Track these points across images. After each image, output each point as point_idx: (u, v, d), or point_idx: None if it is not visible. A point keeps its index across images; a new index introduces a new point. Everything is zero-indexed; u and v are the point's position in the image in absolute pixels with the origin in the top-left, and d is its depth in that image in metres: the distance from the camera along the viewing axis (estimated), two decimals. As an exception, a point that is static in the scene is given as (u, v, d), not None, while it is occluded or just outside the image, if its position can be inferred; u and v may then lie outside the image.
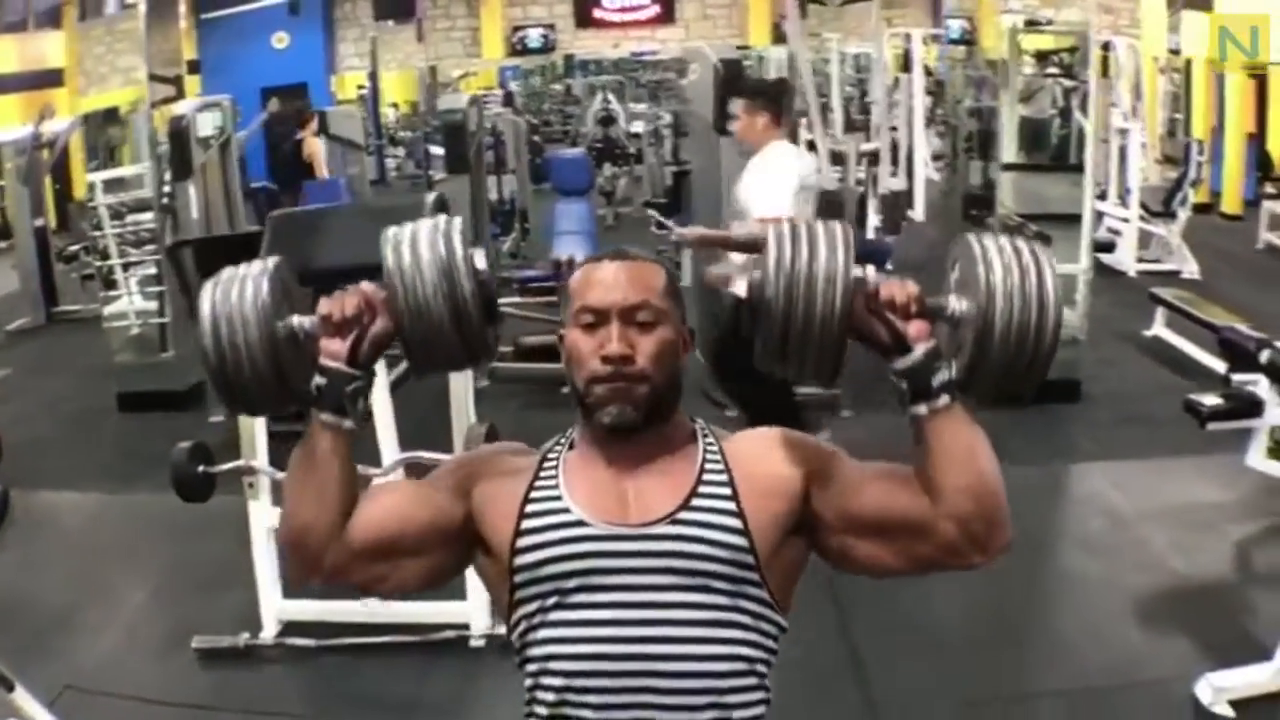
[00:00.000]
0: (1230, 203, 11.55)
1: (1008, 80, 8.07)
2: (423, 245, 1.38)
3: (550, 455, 1.53)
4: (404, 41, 17.02)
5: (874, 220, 7.36)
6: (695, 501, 1.44)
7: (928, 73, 12.63)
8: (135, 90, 6.36)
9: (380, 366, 4.06)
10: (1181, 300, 6.73)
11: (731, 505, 1.44)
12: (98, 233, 6.47)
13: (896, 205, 6.48)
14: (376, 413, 4.08)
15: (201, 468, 3.65)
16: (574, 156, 9.67)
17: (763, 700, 1.43)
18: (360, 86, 15.92)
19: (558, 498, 1.46)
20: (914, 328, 1.37)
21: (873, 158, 6.27)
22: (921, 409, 1.37)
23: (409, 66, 17.67)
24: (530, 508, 1.46)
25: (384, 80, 16.24)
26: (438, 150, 10.87)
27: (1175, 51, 11.73)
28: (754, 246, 4.13)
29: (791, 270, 1.32)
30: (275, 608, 3.69)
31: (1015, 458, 5.13)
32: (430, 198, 4.26)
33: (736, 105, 4.57)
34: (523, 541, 1.44)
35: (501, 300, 5.95)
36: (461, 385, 3.56)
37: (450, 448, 3.63)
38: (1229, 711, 3.12)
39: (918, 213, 10.16)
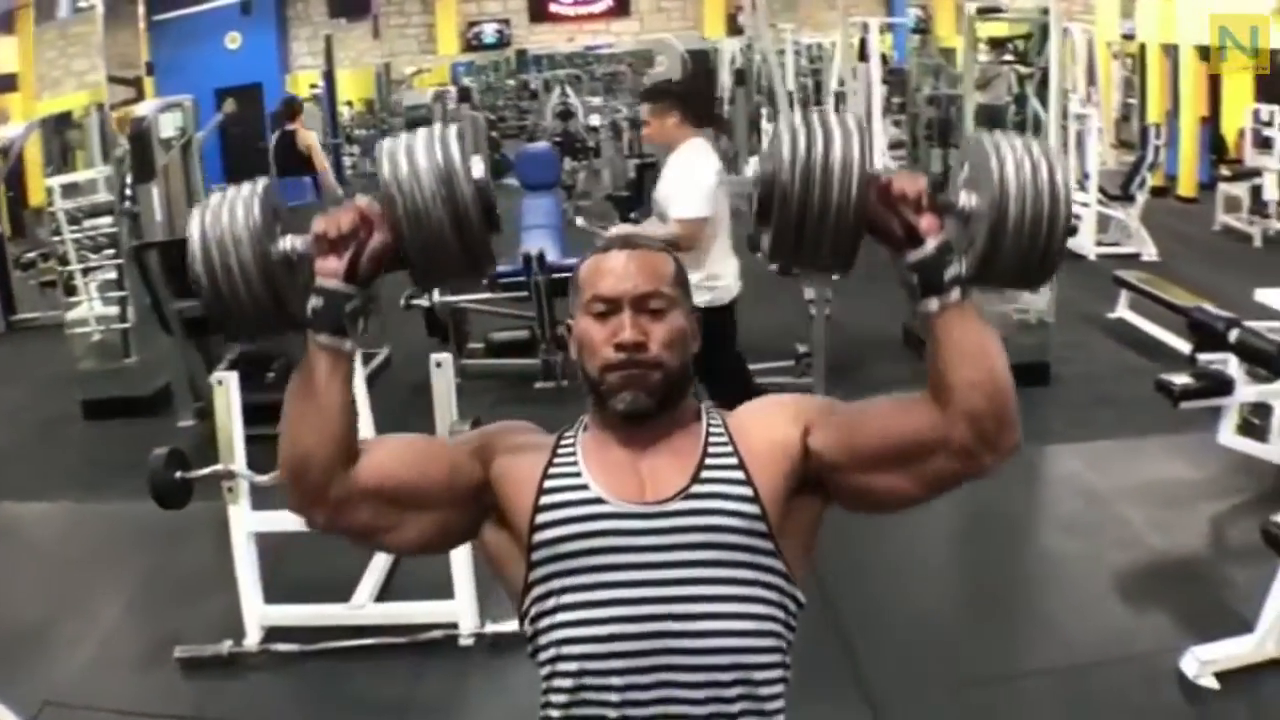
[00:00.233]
0: (1186, 186, 11.72)
1: (967, 68, 8.12)
2: (419, 153, 1.34)
3: (566, 436, 1.54)
4: (356, 39, 16.87)
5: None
6: (705, 474, 1.45)
7: (884, 61, 12.70)
8: (89, 94, 6.25)
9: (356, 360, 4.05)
10: (1145, 283, 6.83)
11: (740, 475, 1.45)
12: (56, 238, 6.35)
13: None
14: (365, 410, 4.06)
15: (179, 473, 3.59)
16: (540, 151, 9.64)
17: (783, 678, 1.44)
18: (313, 85, 15.76)
19: (576, 474, 1.46)
20: (925, 221, 1.38)
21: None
22: (933, 304, 1.37)
23: (362, 64, 17.51)
24: (549, 484, 1.46)
25: (338, 78, 16.09)
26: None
27: (1129, 37, 11.86)
28: (675, 246, 4.17)
29: (807, 158, 1.32)
30: (258, 613, 3.64)
31: (991, 441, 5.26)
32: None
33: (643, 110, 4.58)
34: (542, 518, 1.43)
35: (471, 296, 5.95)
36: (444, 383, 3.53)
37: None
38: (1214, 683, 3.17)
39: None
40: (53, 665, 3.61)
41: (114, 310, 6.40)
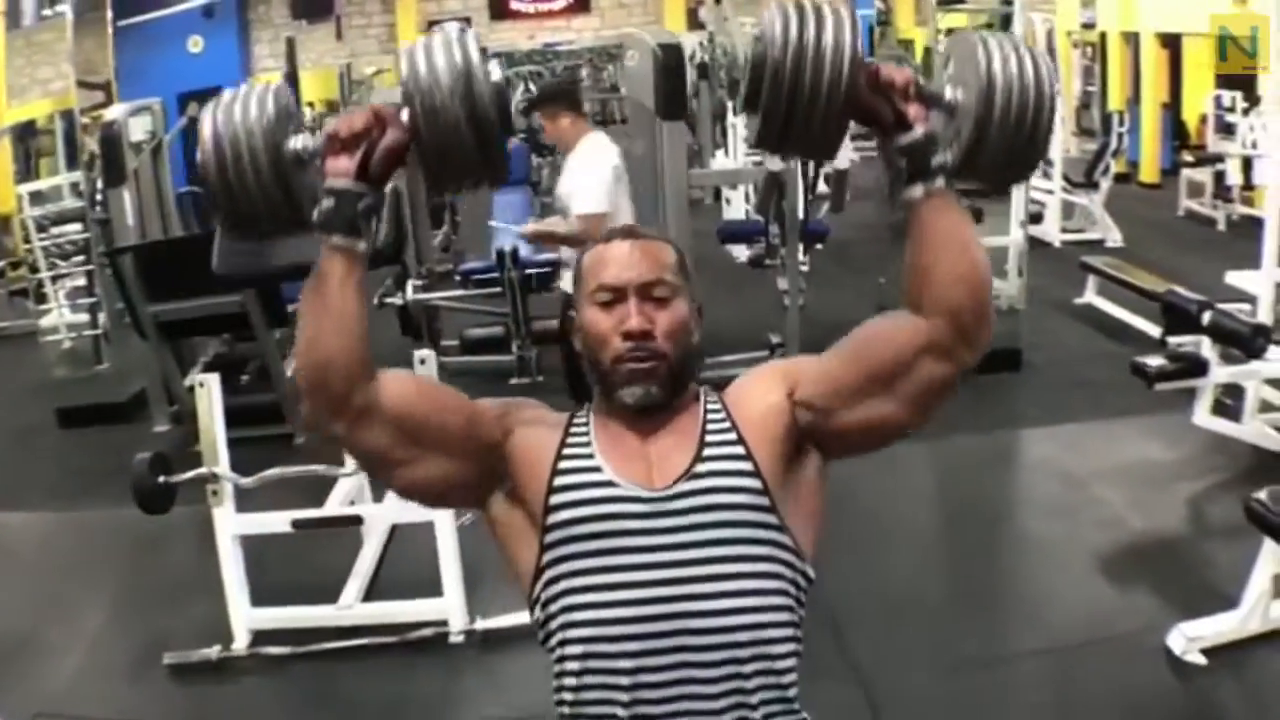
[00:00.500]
0: (1148, 172, 11.85)
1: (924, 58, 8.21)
2: (438, 52, 1.34)
3: (578, 417, 1.54)
4: (317, 41, 16.77)
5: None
6: (706, 453, 1.46)
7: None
8: (53, 101, 6.20)
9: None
10: (1112, 268, 6.92)
11: (740, 450, 1.46)
12: (26, 246, 6.29)
13: (842, 183, 6.55)
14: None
15: (162, 478, 3.58)
16: (510, 147, 9.59)
17: (796, 652, 1.45)
18: (275, 88, 15.62)
19: (590, 455, 1.48)
20: (913, 109, 1.39)
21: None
22: (918, 191, 1.39)
23: (323, 65, 17.41)
24: (563, 464, 1.47)
25: (300, 80, 15.98)
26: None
27: (1089, 25, 11.98)
28: (577, 241, 4.20)
29: (800, 41, 1.33)
30: (245, 617, 3.62)
31: (966, 427, 5.34)
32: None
33: (538, 119, 4.63)
34: (556, 499, 1.44)
35: (444, 294, 5.94)
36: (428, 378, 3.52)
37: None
38: (1201, 659, 3.22)
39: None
40: (41, 676, 3.58)
41: (84, 317, 6.35)
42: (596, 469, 1.46)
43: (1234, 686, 3.16)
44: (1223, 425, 4.73)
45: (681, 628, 1.39)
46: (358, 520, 3.90)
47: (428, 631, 3.59)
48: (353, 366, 1.40)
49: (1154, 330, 5.74)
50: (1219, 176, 9.76)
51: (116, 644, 3.78)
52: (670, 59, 5.16)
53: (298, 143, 1.38)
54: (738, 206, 9.23)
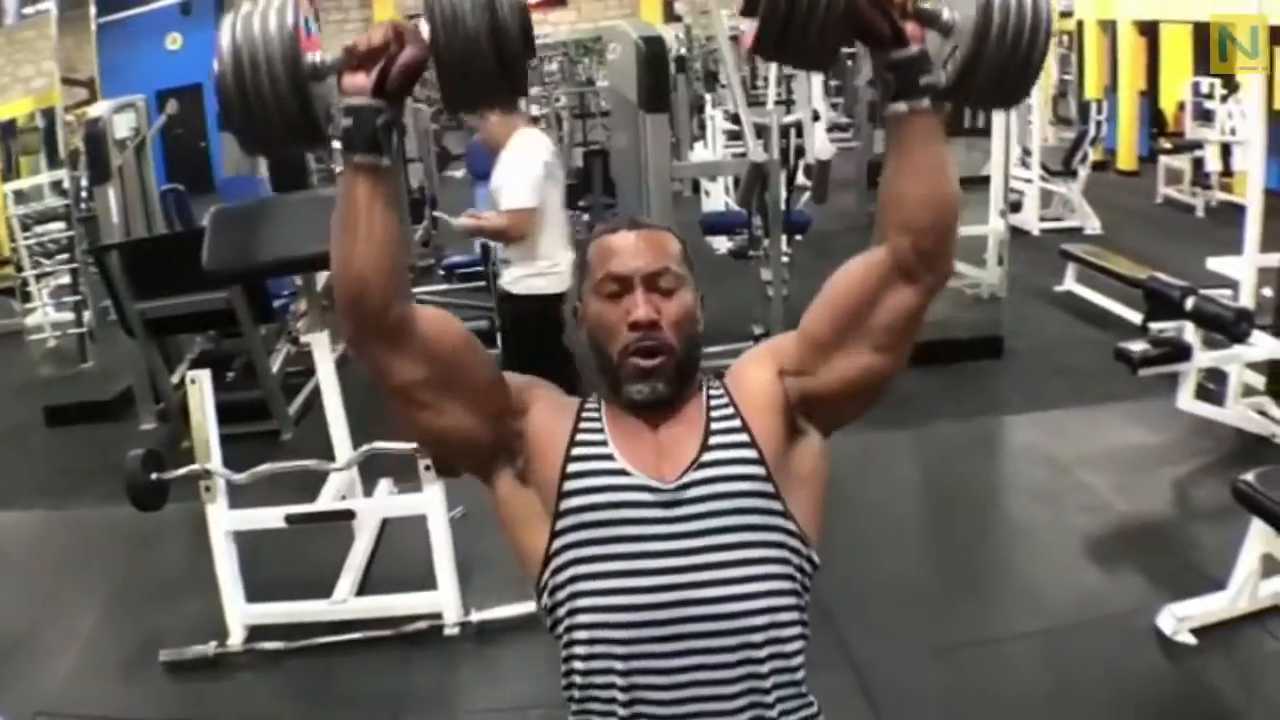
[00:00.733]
0: (1125, 160, 11.94)
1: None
2: None
3: (589, 404, 1.55)
4: (294, 37, 16.68)
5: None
6: (712, 441, 1.47)
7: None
8: (35, 99, 6.16)
9: (323, 338, 4.00)
10: (1092, 255, 6.97)
11: (745, 437, 1.48)
12: (10, 245, 6.26)
13: (824, 174, 6.58)
14: (327, 403, 4.06)
15: (155, 475, 3.58)
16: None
17: (803, 634, 1.46)
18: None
19: (603, 443, 1.48)
20: (910, 26, 1.40)
21: (797, 129, 6.37)
22: (902, 106, 1.40)
23: (300, 62, 17.33)
24: (577, 450, 1.47)
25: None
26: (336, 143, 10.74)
27: (1066, 14, 12.04)
28: (505, 236, 4.27)
29: None
30: (240, 613, 3.62)
31: (950, 415, 5.40)
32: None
33: (469, 118, 4.66)
34: (570, 485, 1.45)
35: (429, 288, 5.96)
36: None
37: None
38: (1191, 639, 3.27)
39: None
40: (38, 675, 3.57)
41: (69, 316, 6.33)
42: (609, 457, 1.46)
43: (1224, 666, 3.20)
44: (1206, 409, 4.78)
45: (690, 614, 1.40)
46: (350, 515, 3.91)
47: (422, 624, 3.60)
48: (387, 282, 1.39)
49: (1134, 317, 5.80)
50: (1197, 163, 9.83)
51: (112, 642, 3.77)
52: (653, 51, 5.16)
53: (315, 56, 1.36)
54: (717, 198, 9.25)
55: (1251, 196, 4.97)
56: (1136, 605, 3.47)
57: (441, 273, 7.90)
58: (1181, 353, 4.62)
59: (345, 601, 3.71)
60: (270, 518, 3.69)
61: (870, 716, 3.04)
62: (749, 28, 1.46)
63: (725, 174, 8.77)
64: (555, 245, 4.31)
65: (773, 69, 11.83)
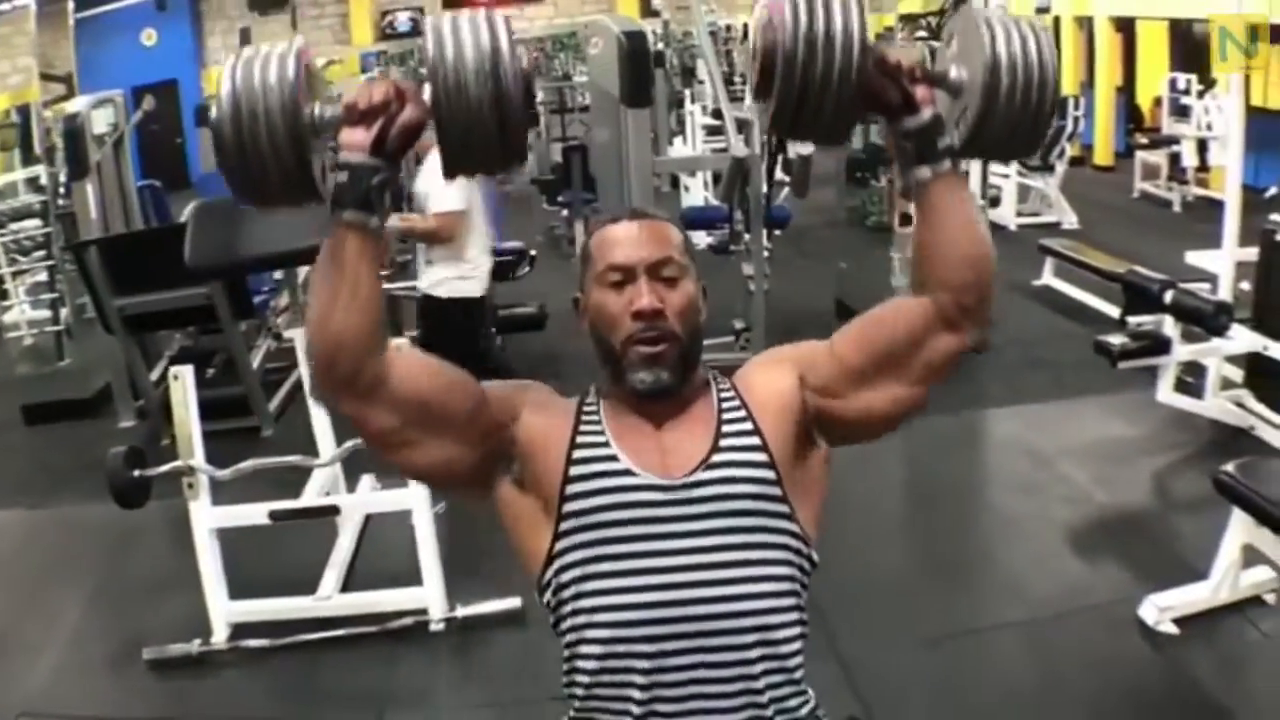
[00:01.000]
0: (1102, 155, 12.00)
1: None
2: (465, 30, 1.32)
3: (588, 402, 1.54)
4: (270, 33, 16.58)
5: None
6: (723, 443, 1.47)
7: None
8: (10, 96, 6.12)
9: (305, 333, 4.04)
10: (1070, 250, 7.01)
11: (756, 440, 1.48)
12: (-15, 243, 6.22)
13: (805, 169, 6.60)
14: (309, 398, 4.03)
15: (137, 472, 3.55)
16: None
17: (801, 635, 1.47)
18: (226, 79, 15.47)
19: (605, 444, 1.47)
20: (920, 91, 1.42)
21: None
22: (926, 172, 1.43)
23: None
24: (579, 452, 1.46)
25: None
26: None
27: (1043, 10, 12.10)
28: (435, 238, 4.29)
29: (810, 28, 1.35)
30: (224, 610, 3.60)
31: (931, 408, 5.31)
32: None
33: None
34: (573, 488, 1.44)
35: (406, 284, 5.91)
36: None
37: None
38: (1173, 629, 3.30)
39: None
40: (21, 675, 3.54)
41: (46, 313, 6.28)
42: (613, 457, 1.45)
43: (1206, 655, 3.23)
44: (1185, 402, 4.82)
45: (696, 613, 1.41)
46: (335, 510, 3.90)
47: (408, 620, 3.59)
48: (363, 345, 1.38)
49: (1112, 311, 5.85)
50: (1174, 159, 9.90)
51: (95, 641, 3.74)
52: (635, 46, 5.16)
53: (315, 110, 1.35)
54: (696, 193, 9.26)
55: (1230, 191, 5.01)
56: (1119, 595, 3.50)
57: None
58: (1160, 346, 4.66)
59: (330, 598, 3.69)
60: (254, 514, 3.67)
61: (858, 708, 3.04)
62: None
63: (706, 169, 8.77)
64: (479, 249, 4.37)
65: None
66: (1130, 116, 11.75)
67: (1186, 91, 9.76)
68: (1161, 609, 3.31)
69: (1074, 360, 5.46)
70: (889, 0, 8.81)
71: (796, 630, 1.46)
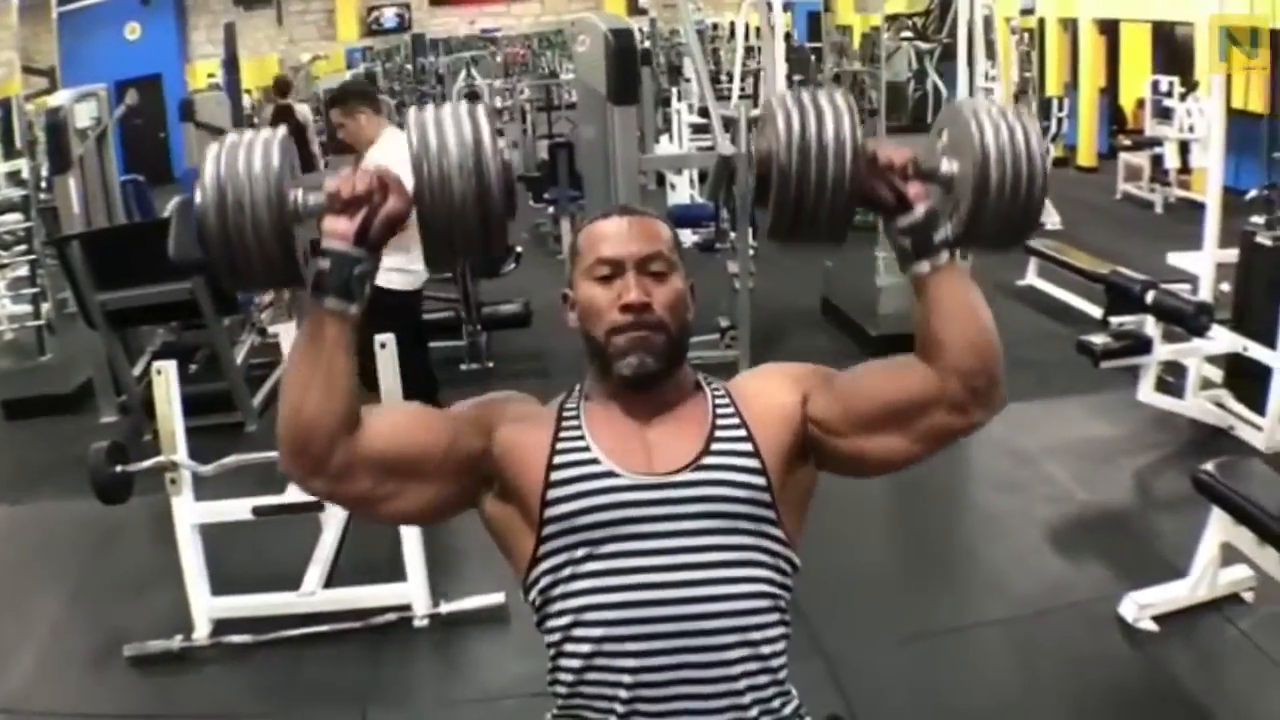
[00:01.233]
0: (1085, 156, 12.07)
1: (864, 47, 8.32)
2: (449, 124, 1.34)
3: (569, 405, 1.54)
4: (254, 28, 16.55)
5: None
6: (715, 446, 1.48)
7: (787, 39, 12.82)
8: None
9: (289, 329, 4.00)
10: (1053, 250, 7.04)
11: (749, 446, 1.48)
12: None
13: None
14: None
15: (120, 467, 3.54)
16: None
17: (784, 635, 1.48)
18: (210, 75, 15.41)
19: (585, 448, 1.47)
20: (913, 188, 1.43)
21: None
22: (924, 266, 1.43)
23: (259, 53, 17.18)
24: (559, 458, 1.46)
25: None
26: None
27: (1028, 12, 12.16)
28: None
29: (803, 137, 1.36)
30: (205, 606, 3.58)
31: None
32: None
33: (335, 115, 4.69)
34: (554, 493, 1.44)
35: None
36: (389, 364, 3.51)
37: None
38: (1153, 626, 3.33)
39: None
40: (1, 672, 3.51)
41: (27, 308, 6.25)
42: (594, 460, 1.46)
43: (1185, 652, 3.26)
44: (1165, 401, 4.86)
45: (681, 614, 1.41)
46: (319, 506, 3.88)
47: (391, 616, 3.59)
48: (334, 430, 1.39)
49: (1094, 311, 5.88)
50: (1156, 160, 9.96)
51: (75, 638, 3.71)
52: (623, 43, 5.16)
53: (299, 197, 1.35)
54: (683, 191, 9.27)
55: (1211, 193, 5.05)
56: (1099, 593, 3.53)
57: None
58: (1142, 346, 4.69)
59: (313, 594, 3.68)
60: (237, 510, 3.65)
61: (840, 705, 3.05)
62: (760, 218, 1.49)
63: (692, 167, 8.78)
64: (415, 245, 4.36)
65: (738, 63, 11.94)
66: (1114, 118, 11.82)
67: (1169, 94, 9.82)
68: (1141, 606, 3.33)
69: (1057, 360, 5.48)
70: (875, 1, 8.80)
71: (779, 630, 1.47)
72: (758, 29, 11.25)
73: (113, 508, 3.57)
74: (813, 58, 12.14)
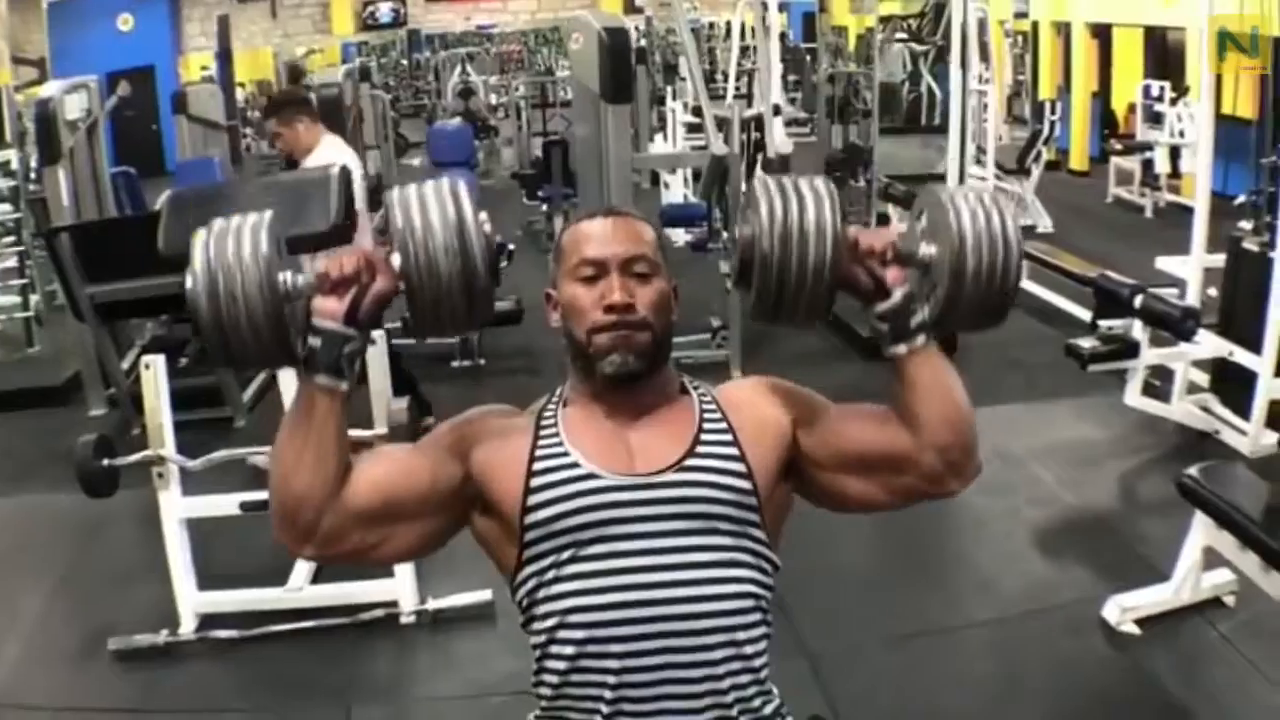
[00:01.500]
0: (1077, 160, 12.10)
1: (859, 49, 8.33)
2: (432, 204, 1.36)
3: (547, 412, 1.55)
4: (249, 21, 16.53)
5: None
6: (700, 448, 1.49)
7: (783, 39, 12.86)
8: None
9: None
10: (1043, 253, 7.05)
11: (734, 450, 1.49)
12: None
13: (784, 168, 6.64)
14: (283, 389, 4.02)
15: (106, 461, 3.53)
16: (454, 129, 9.62)
17: (765, 635, 1.49)
18: (204, 68, 15.39)
19: (564, 453, 1.48)
20: (890, 274, 1.46)
21: (757, 123, 6.41)
22: (901, 349, 1.46)
23: (253, 46, 17.16)
24: (538, 465, 1.47)
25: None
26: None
27: (1022, 15, 12.20)
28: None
29: (784, 224, 1.38)
30: (192, 601, 3.58)
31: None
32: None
33: (272, 125, 4.70)
34: (534, 499, 1.45)
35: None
36: (379, 362, 3.52)
37: (369, 425, 3.56)
38: (1135, 629, 3.35)
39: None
40: (-17, 665, 3.51)
41: (15, 299, 6.23)
42: (574, 464, 1.47)
43: (1166, 655, 3.28)
44: (1152, 405, 4.87)
45: (665, 614, 1.42)
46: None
47: (378, 612, 3.59)
48: (324, 502, 1.42)
49: (1084, 314, 5.89)
50: (1147, 165, 9.99)
51: (60, 632, 3.71)
52: (617, 42, 5.17)
53: (289, 279, 1.37)
54: (676, 190, 9.28)
55: (1199, 198, 5.07)
56: (1083, 595, 3.55)
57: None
58: (1129, 350, 4.71)
59: (300, 589, 3.68)
60: (224, 505, 3.65)
61: (824, 705, 3.07)
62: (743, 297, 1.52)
63: (686, 166, 8.79)
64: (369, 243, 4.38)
65: (733, 63, 11.96)
66: (1105, 122, 11.85)
67: (1160, 98, 9.86)
68: (1124, 609, 3.35)
69: (1045, 362, 5.51)
70: (869, 2, 8.83)
71: (762, 630, 1.48)
72: (754, 29, 11.28)
73: (99, 501, 3.56)
74: (808, 58, 12.18)
